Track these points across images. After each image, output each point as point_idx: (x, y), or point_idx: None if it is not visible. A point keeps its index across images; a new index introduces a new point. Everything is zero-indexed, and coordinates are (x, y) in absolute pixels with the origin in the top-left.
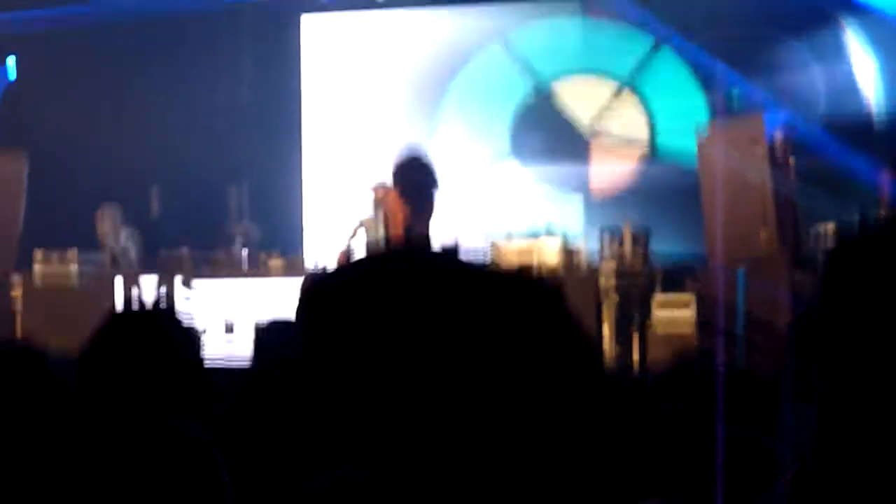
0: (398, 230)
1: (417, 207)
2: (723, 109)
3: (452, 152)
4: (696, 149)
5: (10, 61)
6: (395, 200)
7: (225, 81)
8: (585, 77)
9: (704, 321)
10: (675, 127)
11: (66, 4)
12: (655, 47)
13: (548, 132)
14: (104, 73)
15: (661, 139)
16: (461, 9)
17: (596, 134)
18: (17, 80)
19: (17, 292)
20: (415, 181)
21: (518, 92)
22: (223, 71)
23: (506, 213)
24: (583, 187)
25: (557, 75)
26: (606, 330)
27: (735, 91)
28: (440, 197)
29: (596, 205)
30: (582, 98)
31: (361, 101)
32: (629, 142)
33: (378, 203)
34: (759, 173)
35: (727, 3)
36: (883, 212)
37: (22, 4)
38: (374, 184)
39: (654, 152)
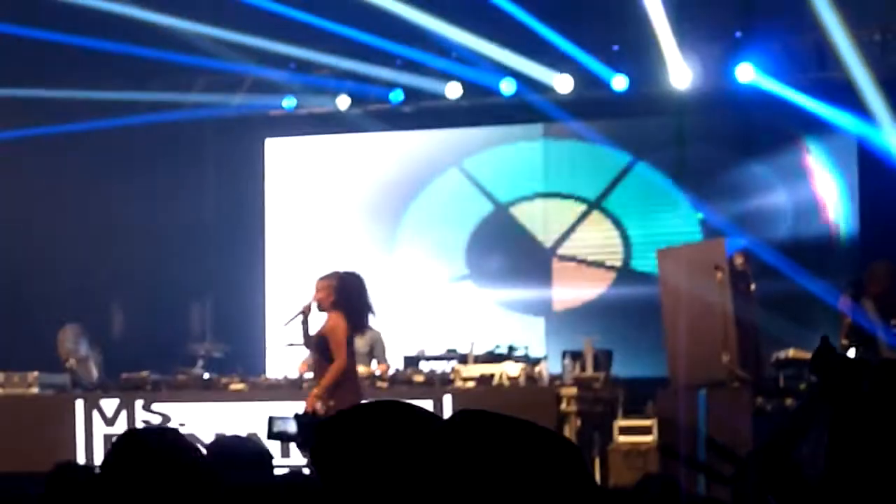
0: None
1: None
2: (686, 232)
3: (411, 271)
4: (658, 271)
5: None
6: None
7: (189, 198)
8: (549, 199)
9: (665, 445)
10: (639, 249)
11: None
12: (622, 170)
13: (507, 253)
14: (65, 191)
15: (625, 260)
16: (421, 132)
17: (558, 255)
18: None
19: None
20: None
21: (476, 213)
22: (188, 188)
23: (467, 333)
24: (544, 308)
25: (518, 197)
26: None
27: (698, 214)
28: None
29: (557, 325)
30: (543, 219)
31: (324, 220)
32: (593, 262)
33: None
34: (721, 297)
35: (689, 126)
36: (844, 339)
37: None
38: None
39: (618, 273)
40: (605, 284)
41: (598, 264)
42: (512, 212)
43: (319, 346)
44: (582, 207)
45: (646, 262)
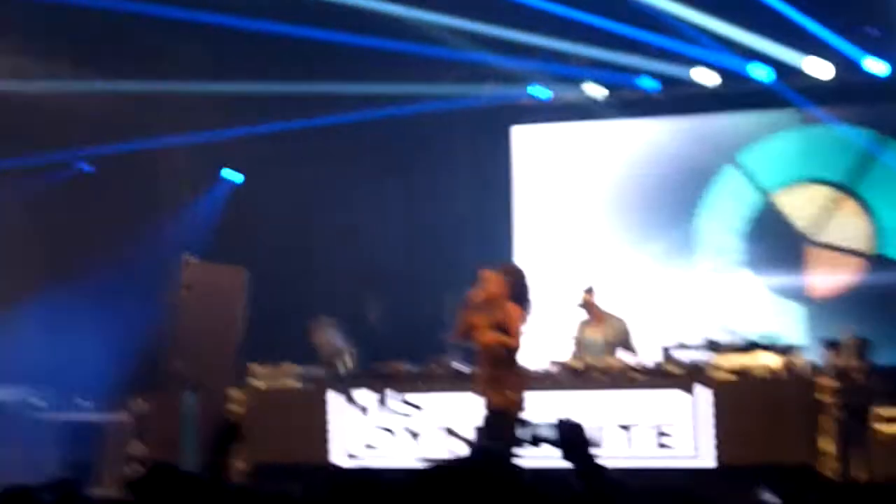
0: None
1: None
2: None
3: (667, 260)
4: None
5: (232, 176)
6: None
7: (440, 189)
8: (805, 185)
9: None
10: (893, 236)
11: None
12: (874, 153)
13: (764, 241)
14: (317, 186)
15: (880, 248)
16: (675, 119)
17: (814, 242)
18: (235, 196)
19: (237, 406)
20: None
21: (733, 201)
22: (438, 179)
23: (725, 322)
24: (801, 296)
25: (776, 183)
26: (827, 444)
27: None
28: None
29: (816, 314)
30: (800, 206)
31: (575, 210)
32: (848, 250)
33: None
34: None
35: None
36: None
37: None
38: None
39: (872, 261)
40: (859, 272)
41: (853, 252)
42: (772, 199)
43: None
44: (840, 194)
45: None
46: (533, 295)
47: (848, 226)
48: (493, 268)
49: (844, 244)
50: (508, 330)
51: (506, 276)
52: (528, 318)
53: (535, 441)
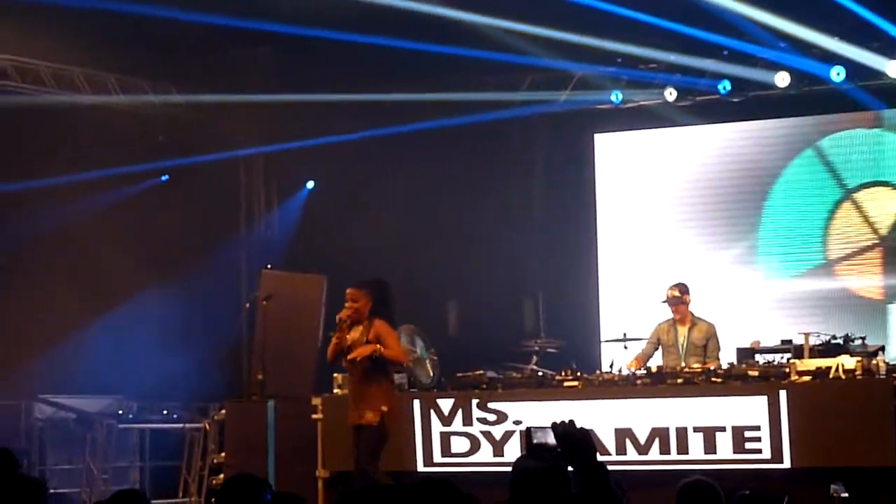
0: None
1: None
2: None
3: (747, 263)
4: None
5: (310, 184)
6: None
7: (519, 196)
8: (881, 187)
9: None
10: None
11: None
12: None
13: (842, 242)
14: (395, 193)
15: None
16: (750, 123)
17: (892, 243)
18: (314, 203)
19: (318, 415)
20: None
21: (810, 203)
22: (518, 185)
23: (804, 323)
24: (880, 298)
25: (852, 187)
26: None
27: None
28: None
29: (894, 315)
30: (878, 207)
31: (655, 214)
32: None
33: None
34: None
35: None
36: None
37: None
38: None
39: None
40: None
41: None
42: (847, 201)
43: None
44: None
45: None
46: (396, 307)
47: None
48: (357, 285)
49: None
50: (380, 343)
51: (369, 291)
52: (393, 330)
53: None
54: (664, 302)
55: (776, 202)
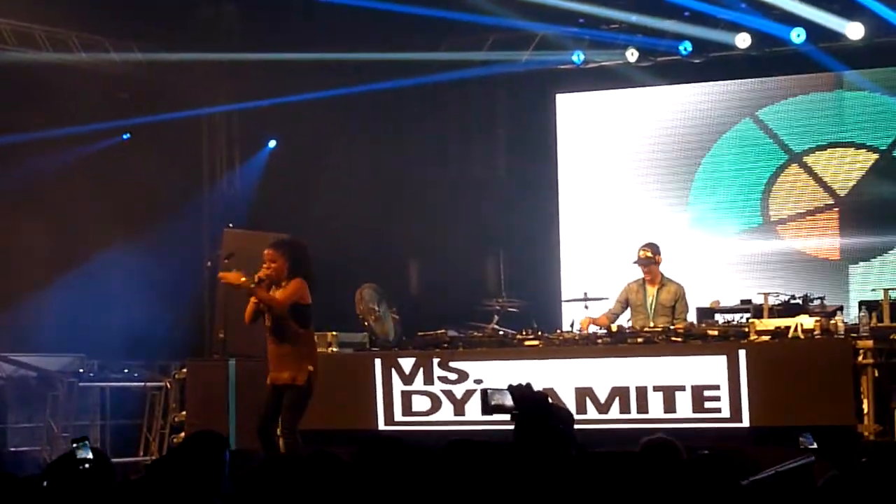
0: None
1: None
2: None
3: (705, 223)
4: None
5: (272, 143)
6: None
7: (481, 155)
8: (841, 148)
9: None
10: None
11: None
12: None
13: (799, 202)
14: (357, 152)
15: None
16: (711, 84)
17: (850, 204)
18: (274, 165)
19: None
20: None
21: (769, 163)
22: (479, 144)
23: (761, 284)
24: (838, 258)
25: (811, 146)
26: (865, 405)
27: None
28: None
29: (852, 275)
30: (836, 168)
31: (615, 174)
32: (886, 213)
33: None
34: None
35: None
36: None
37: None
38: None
39: None
40: None
41: (892, 215)
42: (805, 161)
43: (294, 311)
44: (875, 157)
45: None
46: (313, 266)
47: (886, 188)
48: (274, 246)
49: (880, 207)
50: (289, 303)
51: (286, 251)
52: (311, 290)
53: (491, 408)
54: (635, 262)
55: (726, 162)
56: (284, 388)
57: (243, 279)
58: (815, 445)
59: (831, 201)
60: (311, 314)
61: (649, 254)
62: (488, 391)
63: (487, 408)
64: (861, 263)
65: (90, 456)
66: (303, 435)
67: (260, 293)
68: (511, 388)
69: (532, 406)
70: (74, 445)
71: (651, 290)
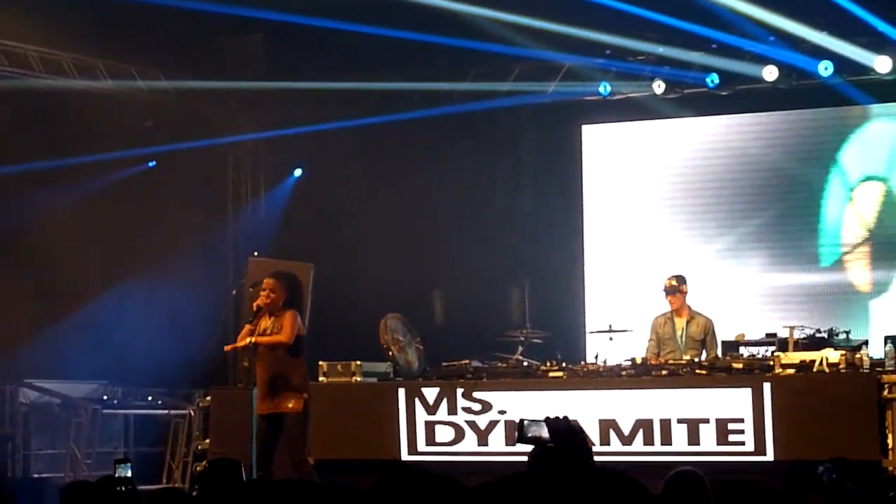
0: None
1: None
2: None
3: (731, 256)
4: None
5: (297, 172)
6: None
7: (506, 186)
8: (868, 182)
9: None
10: None
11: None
12: None
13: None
14: (382, 182)
15: None
16: (738, 116)
17: (877, 238)
18: (302, 192)
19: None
20: None
21: (796, 197)
22: (505, 176)
23: (788, 317)
24: (865, 292)
25: (839, 180)
26: (890, 440)
27: None
28: None
29: (878, 309)
30: (862, 203)
31: (641, 206)
32: None
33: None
34: None
35: None
36: None
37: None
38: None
39: None
40: None
41: None
42: (831, 194)
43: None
44: None
45: None
46: (307, 299)
47: None
48: (274, 276)
49: None
50: (284, 333)
51: (284, 283)
52: (303, 321)
53: (526, 439)
54: (663, 290)
55: (752, 195)
56: (285, 416)
57: (247, 339)
58: (836, 475)
59: (861, 235)
60: (304, 344)
61: (674, 283)
62: (525, 422)
63: (523, 438)
64: (887, 297)
65: (129, 475)
66: (326, 464)
67: (262, 340)
68: (548, 420)
69: (567, 440)
70: (116, 464)
71: (679, 323)
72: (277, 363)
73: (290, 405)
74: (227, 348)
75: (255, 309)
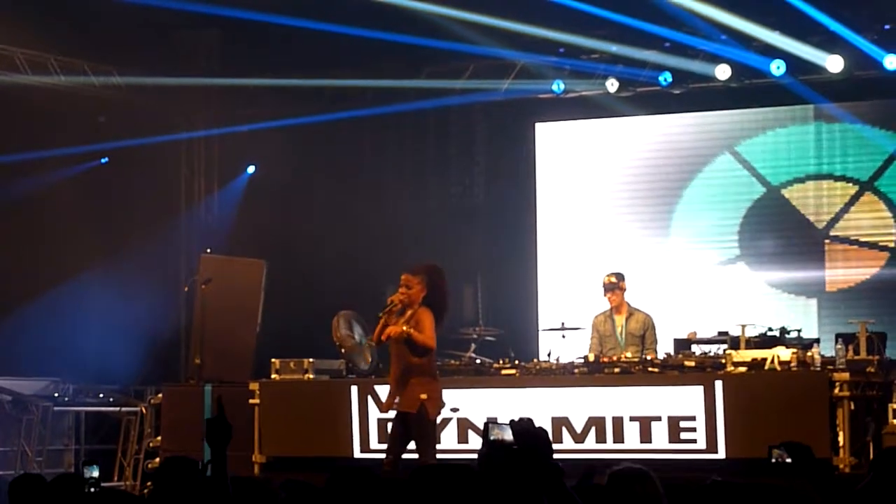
0: None
1: None
2: None
3: (683, 255)
4: None
5: (250, 169)
6: None
7: (460, 183)
8: (820, 180)
9: None
10: None
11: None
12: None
13: (778, 235)
14: (335, 179)
15: None
16: (690, 115)
17: (831, 236)
18: (252, 190)
19: (255, 400)
20: None
21: (747, 196)
22: (458, 173)
23: (739, 315)
24: (817, 290)
25: (790, 179)
26: (840, 438)
27: None
28: None
29: (829, 307)
30: (815, 200)
31: (595, 204)
32: (865, 243)
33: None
34: None
35: None
36: None
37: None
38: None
39: (891, 254)
40: (877, 265)
41: (871, 245)
42: (783, 194)
43: (409, 340)
44: (854, 188)
45: None
46: (449, 296)
47: (865, 220)
48: (412, 271)
49: (860, 238)
50: (419, 332)
51: (424, 278)
52: (442, 320)
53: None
54: (602, 287)
55: (701, 194)
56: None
57: (402, 328)
58: (790, 459)
59: (809, 234)
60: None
61: (613, 279)
62: (489, 424)
63: (486, 441)
64: (838, 295)
65: (97, 475)
66: (278, 461)
67: (417, 336)
68: (512, 423)
69: (531, 442)
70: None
71: (619, 320)
72: (405, 362)
73: (409, 405)
74: (382, 337)
75: (387, 303)
